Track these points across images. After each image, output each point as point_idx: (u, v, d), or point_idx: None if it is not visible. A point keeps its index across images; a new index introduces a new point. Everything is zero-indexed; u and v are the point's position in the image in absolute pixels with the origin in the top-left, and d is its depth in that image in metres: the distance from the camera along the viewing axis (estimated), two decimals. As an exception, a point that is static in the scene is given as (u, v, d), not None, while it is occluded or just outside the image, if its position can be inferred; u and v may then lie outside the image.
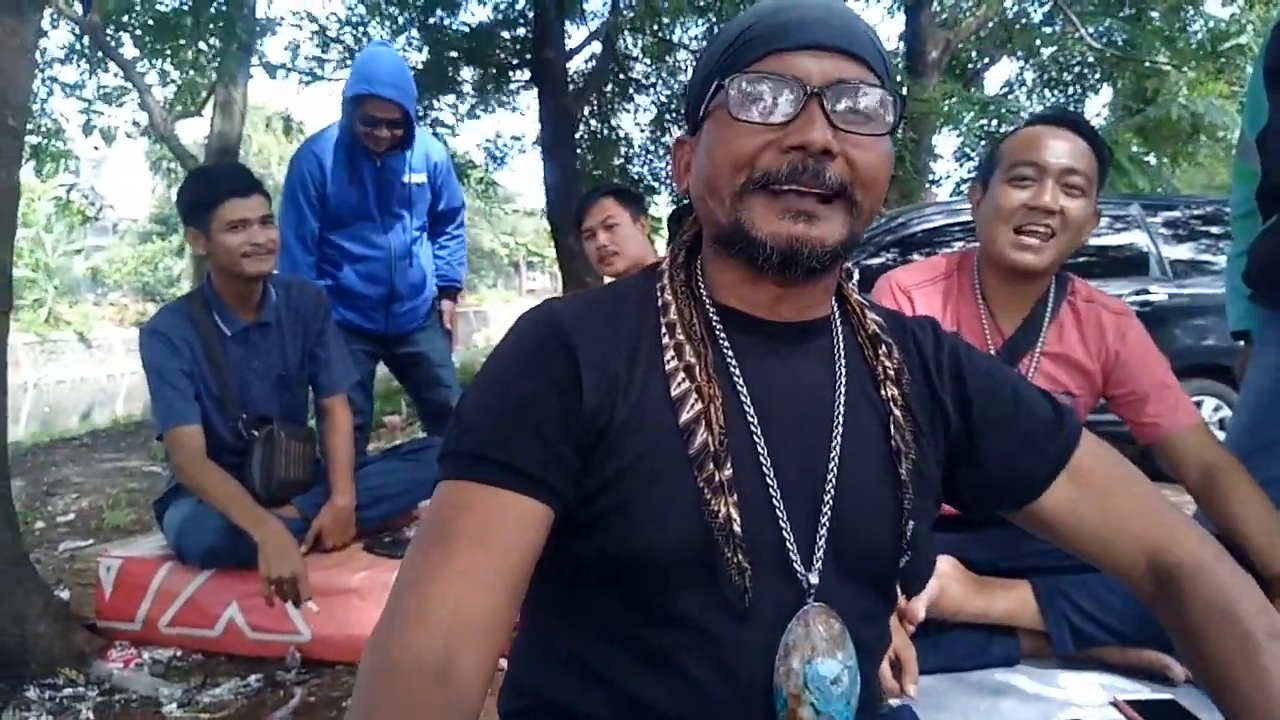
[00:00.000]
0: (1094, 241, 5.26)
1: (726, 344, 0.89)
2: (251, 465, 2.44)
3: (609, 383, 0.84)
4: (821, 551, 0.85)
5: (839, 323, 0.94)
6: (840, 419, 0.88)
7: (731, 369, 0.88)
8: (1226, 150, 11.12)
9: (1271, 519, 1.49)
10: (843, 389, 0.89)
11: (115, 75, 9.22)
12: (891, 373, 0.91)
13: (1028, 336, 1.69)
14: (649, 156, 11.65)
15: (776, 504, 0.84)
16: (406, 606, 0.76)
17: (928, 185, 11.14)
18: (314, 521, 2.46)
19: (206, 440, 2.36)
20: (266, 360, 2.51)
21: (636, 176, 11.29)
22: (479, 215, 28.10)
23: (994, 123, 9.49)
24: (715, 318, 0.90)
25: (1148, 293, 4.87)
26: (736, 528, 0.81)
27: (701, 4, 9.26)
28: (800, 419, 0.87)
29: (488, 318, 29.61)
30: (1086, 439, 0.95)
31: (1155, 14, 9.97)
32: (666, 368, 0.86)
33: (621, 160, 11.39)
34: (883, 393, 0.91)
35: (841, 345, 0.93)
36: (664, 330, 0.88)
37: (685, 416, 0.83)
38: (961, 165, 12.14)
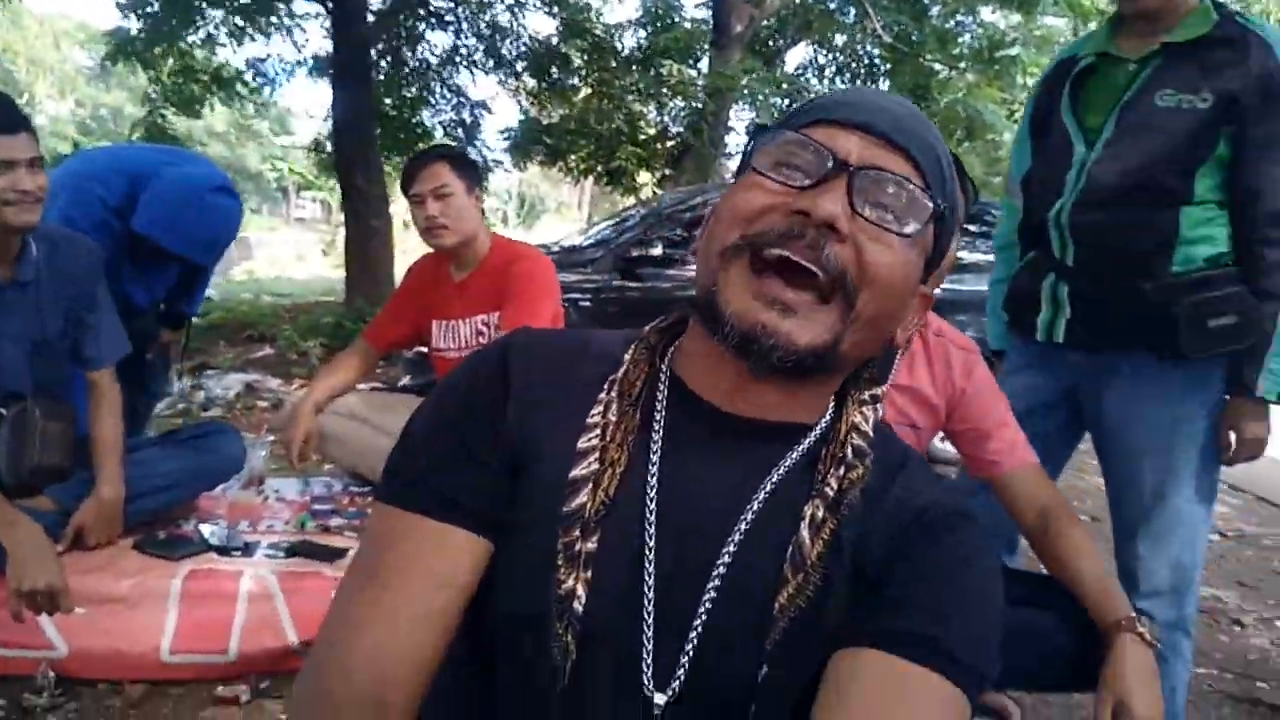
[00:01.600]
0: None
1: (660, 419, 0.80)
2: (-3, 448, 2.09)
3: (530, 415, 0.80)
4: (681, 676, 0.75)
5: (814, 439, 0.82)
6: (743, 534, 0.77)
7: (653, 447, 0.79)
8: (994, 150, 12.09)
9: (1101, 568, 1.56)
10: (759, 503, 0.78)
11: None
12: (829, 492, 0.78)
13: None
14: (438, 98, 11.23)
15: (646, 609, 0.75)
16: (334, 642, 0.75)
17: (722, 159, 11.39)
18: (74, 516, 2.14)
19: (-60, 418, 1.99)
20: (21, 324, 2.13)
21: (429, 123, 10.87)
22: (245, 135, 26.15)
23: (787, 102, 9.78)
24: (663, 391, 0.82)
25: None
26: (577, 605, 0.74)
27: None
28: (704, 522, 0.77)
29: (251, 246, 27.76)
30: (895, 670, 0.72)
31: (934, 14, 10.59)
32: (587, 420, 0.79)
33: (413, 95, 10.88)
34: (806, 509, 0.77)
35: (794, 459, 0.80)
36: (606, 386, 0.82)
37: (575, 472, 0.77)
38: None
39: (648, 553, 0.76)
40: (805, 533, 0.76)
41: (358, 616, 0.75)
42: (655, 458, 0.79)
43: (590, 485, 0.77)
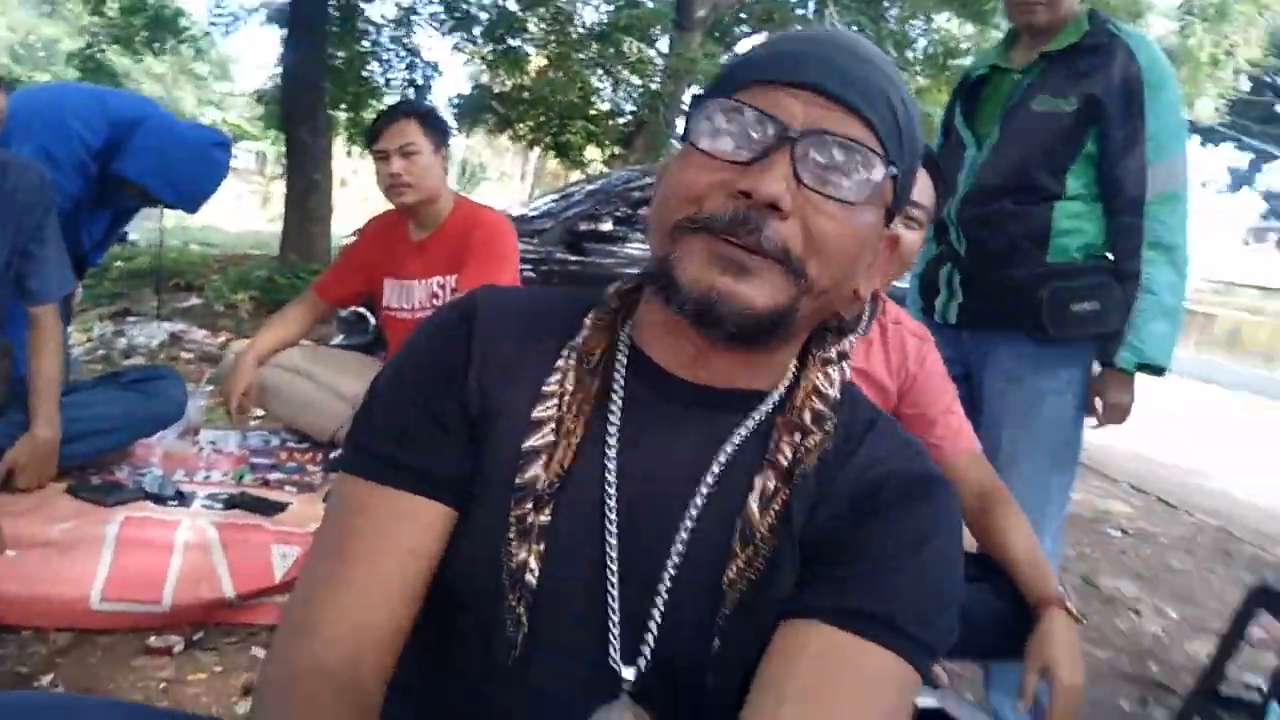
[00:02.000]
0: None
1: (620, 388, 0.79)
2: (-73, 381, 2.01)
3: (490, 381, 0.79)
4: (647, 650, 0.75)
5: (771, 405, 0.80)
6: (704, 501, 0.76)
7: (610, 417, 0.78)
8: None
9: (1036, 549, 1.64)
10: (715, 473, 0.76)
11: None
12: (783, 461, 0.76)
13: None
14: (391, 55, 11.01)
15: (610, 582, 0.75)
16: (304, 619, 0.74)
17: (673, 141, 11.39)
18: (7, 454, 2.07)
19: None
20: (-41, 254, 2.06)
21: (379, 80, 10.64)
22: (185, 77, 25.26)
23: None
24: (623, 359, 0.80)
25: None
26: (530, 577, 0.74)
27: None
28: (665, 491, 0.76)
29: (179, 192, 26.82)
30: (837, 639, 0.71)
31: (891, 16, 10.72)
32: (544, 389, 0.78)
33: (366, 50, 10.64)
34: (757, 480, 0.76)
35: (750, 427, 0.78)
36: (565, 352, 0.80)
37: (529, 443, 0.76)
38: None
39: (608, 524, 0.75)
40: (754, 505, 0.74)
41: (329, 592, 0.74)
42: (614, 429, 0.77)
43: (544, 457, 0.76)
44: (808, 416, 0.78)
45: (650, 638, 0.74)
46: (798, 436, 0.77)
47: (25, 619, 1.94)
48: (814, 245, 0.71)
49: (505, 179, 28.64)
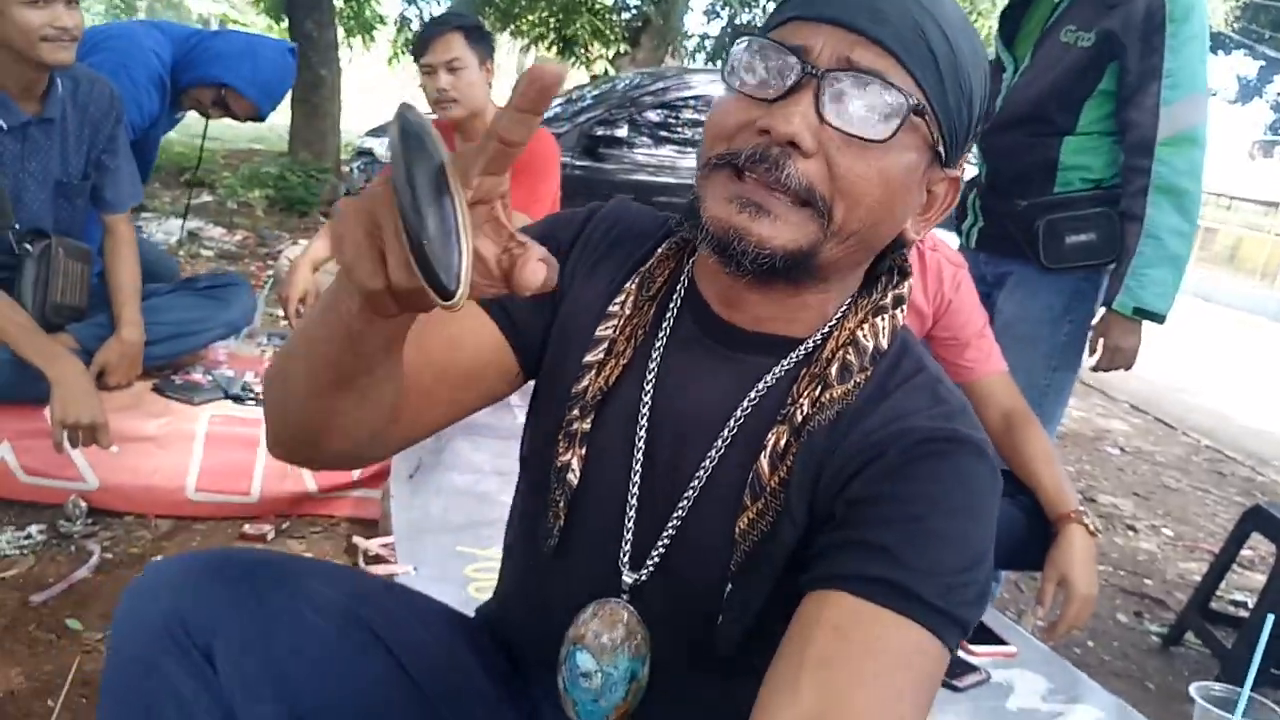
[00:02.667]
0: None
1: (669, 320, 0.83)
2: (22, 284, 2.10)
3: (576, 284, 0.86)
4: (655, 560, 0.80)
5: (801, 354, 0.80)
6: (725, 444, 0.79)
7: (657, 345, 0.82)
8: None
9: (1057, 467, 1.77)
10: (740, 417, 0.79)
11: None
12: (798, 416, 0.76)
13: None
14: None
15: (632, 491, 0.81)
16: None
17: (679, 40, 11.24)
18: (96, 355, 2.18)
19: (-29, 251, 2.01)
20: (45, 163, 2.13)
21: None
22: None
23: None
24: (680, 293, 0.84)
25: None
26: (571, 477, 0.81)
27: None
28: (692, 426, 0.80)
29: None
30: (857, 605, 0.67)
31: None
32: (609, 308, 0.84)
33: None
34: (771, 433, 0.77)
35: (778, 375, 0.79)
36: (636, 276, 0.84)
37: (588, 357, 0.83)
38: (709, 22, 12.30)
39: (638, 443, 0.81)
40: (764, 461, 0.75)
41: None
42: (657, 356, 0.81)
43: (594, 371, 0.82)
44: (834, 369, 0.76)
45: (657, 555, 0.80)
46: (818, 389, 0.76)
47: (130, 505, 2.11)
48: (839, 186, 0.70)
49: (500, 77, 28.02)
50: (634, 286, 0.84)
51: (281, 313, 3.02)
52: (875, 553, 0.67)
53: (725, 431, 0.78)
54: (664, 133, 5.59)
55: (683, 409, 0.80)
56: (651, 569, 0.80)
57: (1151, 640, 2.73)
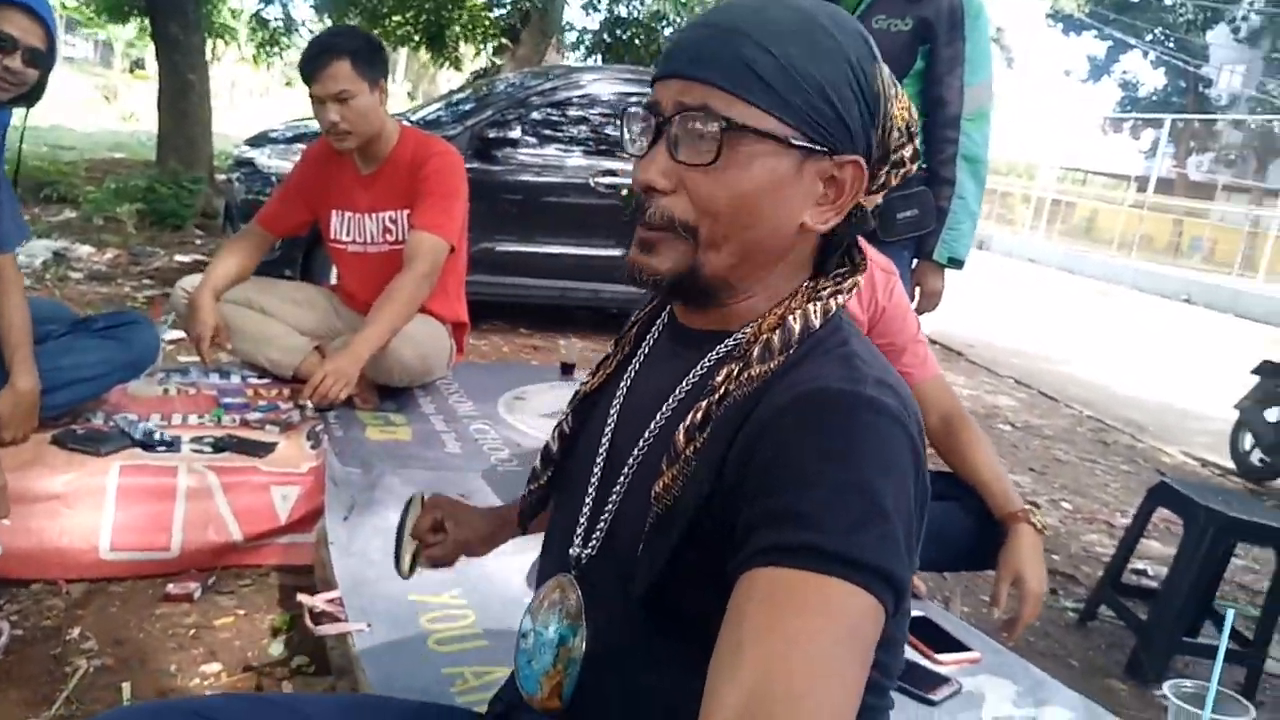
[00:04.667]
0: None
1: (654, 336, 0.98)
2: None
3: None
4: (598, 537, 0.89)
5: (730, 344, 0.87)
6: (658, 426, 0.87)
7: (641, 351, 0.97)
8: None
9: (998, 465, 1.84)
10: (681, 395, 0.87)
11: None
12: (718, 393, 0.81)
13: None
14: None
15: (593, 478, 0.91)
16: None
17: (561, 34, 11.15)
18: (-13, 409, 2.03)
19: None
20: (-83, 204, 1.97)
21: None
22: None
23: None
24: (665, 315, 0.98)
25: None
26: (551, 464, 0.99)
27: None
28: (643, 415, 0.89)
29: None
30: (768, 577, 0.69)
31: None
32: (632, 317, 1.02)
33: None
34: (693, 409, 0.82)
35: (708, 363, 0.87)
36: (649, 303, 1.01)
37: (596, 366, 1.01)
38: (589, 15, 12.20)
39: (605, 434, 0.92)
40: (681, 431, 0.81)
41: None
42: (637, 362, 0.96)
43: (591, 376, 1.00)
44: (756, 349, 0.82)
45: (600, 530, 0.88)
46: (735, 369, 0.82)
47: (38, 571, 1.96)
48: (699, 208, 0.81)
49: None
50: (645, 307, 1.01)
51: (188, 349, 2.88)
52: (785, 519, 0.69)
53: (659, 416, 0.87)
54: (550, 131, 5.56)
55: (639, 401, 0.92)
56: (595, 545, 0.89)
57: (1068, 616, 2.85)
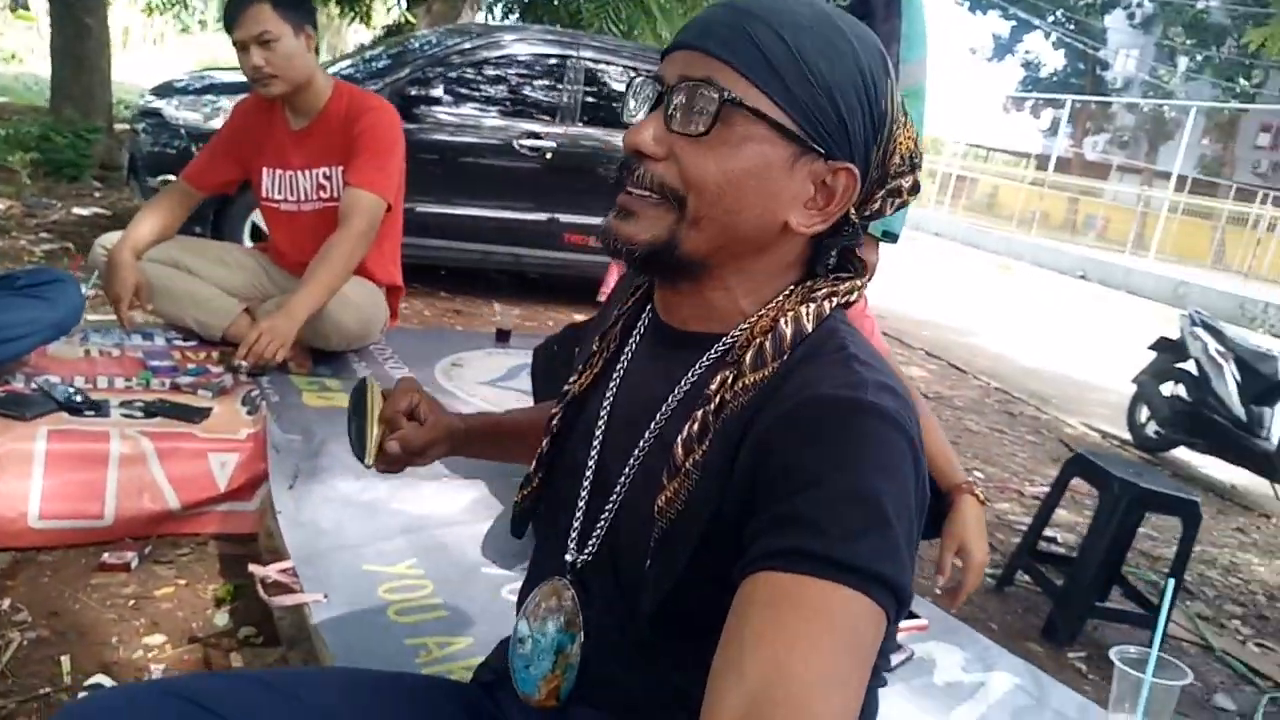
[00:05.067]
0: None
1: (638, 334, 0.95)
2: None
3: (606, 315, 1.02)
4: (595, 543, 0.88)
5: (722, 348, 0.86)
6: (654, 434, 0.86)
7: (624, 355, 0.95)
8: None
9: (943, 439, 1.89)
10: (674, 403, 0.86)
11: None
12: (714, 402, 0.81)
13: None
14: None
15: (585, 482, 0.91)
16: None
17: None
18: (-97, 372, 1.92)
19: None
20: None
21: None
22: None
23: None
24: (647, 313, 0.95)
25: None
26: (542, 469, 0.97)
27: None
28: (635, 420, 0.88)
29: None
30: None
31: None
32: (607, 324, 0.98)
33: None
34: (688, 419, 0.82)
35: (702, 368, 0.86)
36: (630, 298, 0.98)
37: (579, 362, 0.98)
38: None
39: (595, 437, 0.91)
40: (679, 444, 0.80)
41: None
42: (623, 362, 0.94)
43: (577, 378, 0.96)
44: (749, 356, 0.81)
45: (597, 536, 0.88)
46: (729, 377, 0.81)
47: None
48: (687, 178, 0.80)
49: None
50: (624, 310, 0.97)
51: (107, 309, 2.76)
52: (788, 525, 0.69)
53: (654, 423, 0.87)
54: (471, 91, 5.45)
55: (629, 405, 0.91)
56: (592, 551, 0.88)
57: (987, 582, 2.97)
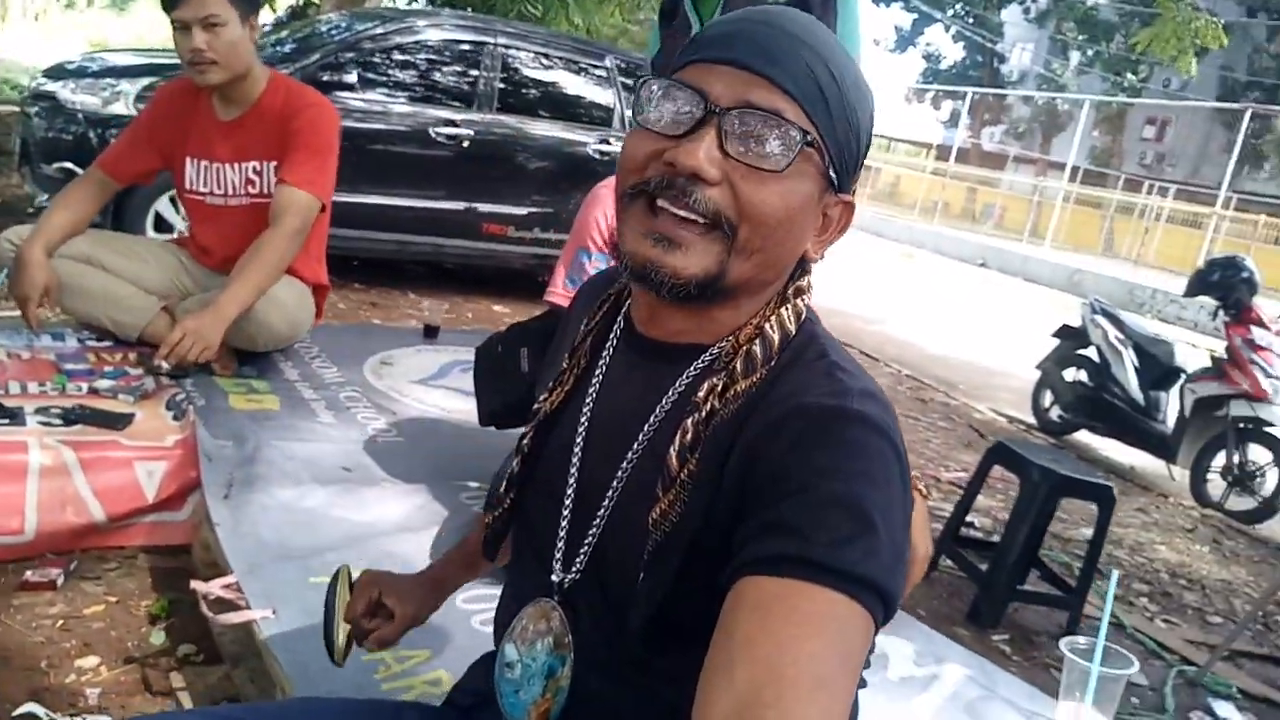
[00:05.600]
0: (571, 91, 5.77)
1: (611, 348, 0.93)
2: None
3: (563, 335, 1.02)
4: (582, 561, 0.87)
5: (709, 358, 0.86)
6: (641, 447, 0.86)
7: (598, 368, 0.92)
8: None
9: None
10: (660, 416, 0.85)
11: None
12: (705, 410, 0.81)
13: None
14: None
15: (567, 498, 0.89)
16: None
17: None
18: None
19: None
20: None
21: None
22: None
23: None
24: (620, 324, 0.94)
25: (608, 143, 5.61)
26: (514, 488, 0.94)
27: None
28: (617, 435, 0.87)
29: None
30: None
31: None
32: (575, 340, 0.96)
33: None
34: (679, 429, 0.82)
35: (688, 379, 0.86)
36: (598, 311, 0.96)
37: (549, 384, 0.95)
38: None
39: (574, 454, 0.89)
40: (673, 454, 0.80)
41: None
42: (599, 376, 0.92)
43: (548, 393, 0.94)
44: (739, 363, 0.82)
45: (584, 554, 0.87)
46: (718, 384, 0.81)
47: None
48: (744, 212, 0.78)
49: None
50: (592, 325, 0.95)
51: (10, 305, 2.62)
52: (775, 531, 0.70)
53: (642, 436, 0.85)
54: (384, 77, 5.32)
55: (611, 420, 0.89)
56: (579, 570, 0.87)
57: (915, 570, 3.05)
